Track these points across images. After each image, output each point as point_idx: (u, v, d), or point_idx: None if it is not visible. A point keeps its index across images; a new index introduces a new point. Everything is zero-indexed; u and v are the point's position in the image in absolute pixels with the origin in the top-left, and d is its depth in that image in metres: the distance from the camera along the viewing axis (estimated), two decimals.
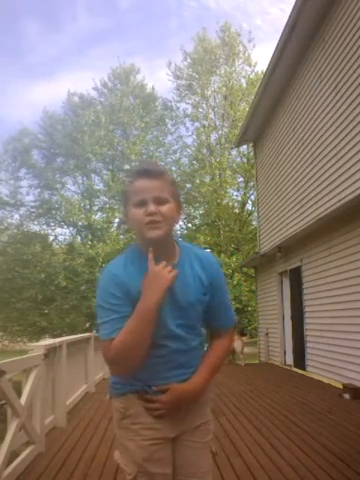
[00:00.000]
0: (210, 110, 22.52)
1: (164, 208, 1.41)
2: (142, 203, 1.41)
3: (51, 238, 22.32)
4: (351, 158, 6.74)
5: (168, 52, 46.23)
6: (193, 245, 1.62)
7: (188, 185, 22.07)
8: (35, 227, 21.87)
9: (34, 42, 44.48)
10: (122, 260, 1.49)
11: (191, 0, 41.88)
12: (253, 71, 22.42)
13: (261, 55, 36.78)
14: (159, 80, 42.67)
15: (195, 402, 1.52)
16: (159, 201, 1.41)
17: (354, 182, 6.61)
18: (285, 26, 8.15)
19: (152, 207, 1.39)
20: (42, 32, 44.80)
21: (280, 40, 8.53)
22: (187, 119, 22.90)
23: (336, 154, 7.29)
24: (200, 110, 22.69)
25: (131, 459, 1.47)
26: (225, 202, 22.15)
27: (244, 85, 22.40)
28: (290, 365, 9.67)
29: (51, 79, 48.62)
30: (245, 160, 22.47)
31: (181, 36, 45.07)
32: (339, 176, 7.17)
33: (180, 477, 1.53)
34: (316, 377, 7.91)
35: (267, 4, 39.48)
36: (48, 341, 4.84)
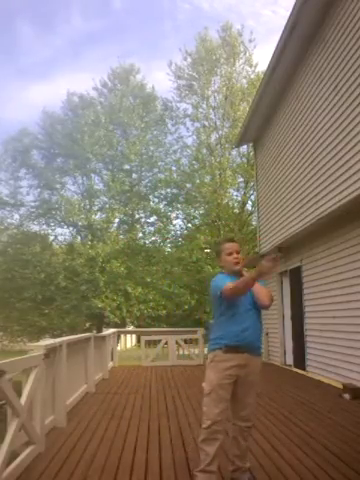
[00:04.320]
0: (210, 110, 22.52)
1: (239, 255, 3.07)
2: (231, 253, 3.07)
3: (51, 238, 22.28)
4: (351, 158, 6.73)
5: (163, 54, 46.45)
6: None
7: (188, 185, 22.04)
8: (35, 227, 21.82)
9: (29, 43, 44.61)
10: (223, 274, 3.08)
11: (185, 2, 41.92)
12: (254, 71, 22.42)
13: (255, 56, 36.90)
14: (155, 81, 42.81)
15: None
16: (237, 252, 3.08)
17: (354, 182, 6.61)
18: (285, 26, 8.15)
19: (236, 255, 3.06)
20: (37, 33, 44.91)
21: (280, 40, 8.53)
22: (187, 119, 22.89)
23: (336, 154, 7.29)
24: (200, 110, 22.70)
25: (210, 383, 2.92)
26: (225, 202, 22.14)
27: (245, 85, 22.38)
28: (290, 365, 9.67)
29: (47, 80, 48.83)
30: (245, 160, 22.46)
31: (175, 38, 45.11)
32: (339, 176, 7.17)
33: (235, 404, 3.00)
34: (316, 377, 7.92)
35: (260, 6, 39.60)
36: (48, 341, 4.84)
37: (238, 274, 3.05)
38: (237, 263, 3.05)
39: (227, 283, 2.89)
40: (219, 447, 2.87)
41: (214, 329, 3.07)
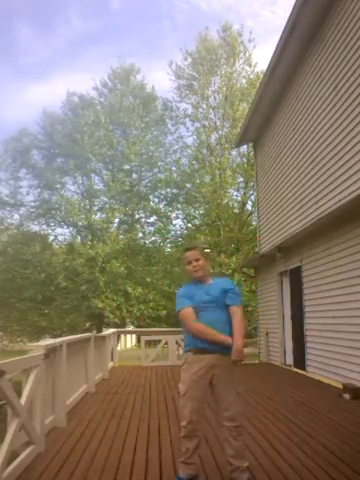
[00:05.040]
0: (210, 110, 22.52)
1: (199, 263, 3.10)
2: (189, 262, 3.12)
3: (51, 238, 22.32)
4: (351, 158, 6.74)
5: (161, 54, 46.52)
6: (222, 278, 3.34)
7: (188, 185, 22.04)
8: (35, 227, 21.86)
9: (27, 44, 44.68)
10: (187, 285, 3.20)
11: (183, 2, 41.97)
12: (253, 71, 22.44)
13: (254, 56, 36.95)
14: (153, 82, 42.80)
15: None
16: (197, 260, 3.10)
17: (354, 182, 6.61)
18: (285, 26, 8.15)
19: (195, 263, 3.10)
20: (35, 34, 44.97)
21: (280, 40, 8.53)
22: (187, 119, 22.89)
23: (336, 154, 7.30)
24: (200, 110, 22.70)
25: (184, 384, 3.04)
26: (225, 202, 22.14)
27: (244, 85, 22.38)
28: (290, 365, 9.67)
29: (46, 81, 48.88)
30: (245, 160, 22.45)
31: (174, 38, 45.29)
32: (339, 176, 7.17)
33: (217, 405, 3.04)
34: (316, 377, 7.91)
35: (258, 6, 39.71)
36: (48, 341, 4.83)
37: (202, 280, 3.12)
38: (196, 271, 3.10)
39: (185, 308, 3.05)
40: (199, 442, 3.04)
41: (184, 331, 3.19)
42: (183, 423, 3.04)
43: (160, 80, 50.35)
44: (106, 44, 46.91)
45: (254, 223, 20.48)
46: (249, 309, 20.15)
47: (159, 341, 11.34)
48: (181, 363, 3.15)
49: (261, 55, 37.69)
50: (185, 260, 3.16)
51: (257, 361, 12.26)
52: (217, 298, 3.05)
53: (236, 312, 3.03)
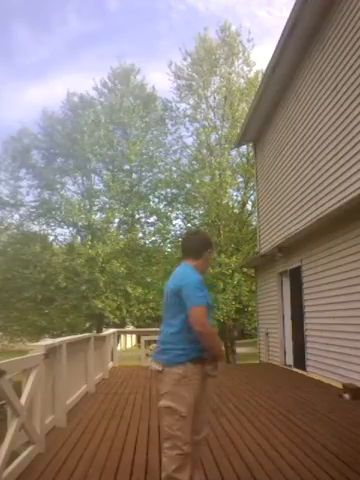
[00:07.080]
0: (210, 110, 22.51)
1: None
2: (212, 255, 2.86)
3: (51, 238, 22.29)
4: (351, 158, 6.74)
5: (159, 54, 46.57)
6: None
7: (188, 185, 22.04)
8: (35, 227, 21.82)
9: (26, 44, 44.81)
10: (198, 275, 2.68)
11: (180, 3, 42.08)
12: (251, 70, 22.43)
13: (252, 56, 36.90)
14: (150, 82, 42.87)
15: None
16: (214, 257, 2.94)
17: (354, 182, 6.61)
18: (285, 26, 8.15)
19: (212, 259, 2.83)
20: (33, 35, 45.08)
21: (280, 40, 8.53)
22: (187, 119, 22.87)
23: (336, 154, 7.30)
24: (200, 110, 22.68)
25: (185, 403, 2.52)
26: (225, 202, 22.11)
27: (243, 85, 22.37)
28: (290, 365, 9.67)
29: (45, 81, 49.05)
30: (245, 160, 22.44)
31: (171, 39, 45.36)
32: (339, 176, 7.17)
33: (202, 402, 2.68)
34: (316, 377, 7.91)
35: (255, 7, 39.86)
36: (48, 341, 4.84)
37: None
38: (210, 267, 2.94)
39: (204, 306, 2.55)
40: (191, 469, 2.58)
41: (174, 335, 2.62)
42: (182, 450, 2.52)
43: (158, 80, 50.58)
44: (104, 44, 47.21)
45: (254, 223, 20.45)
46: (249, 309, 20.15)
47: None
48: (175, 377, 2.56)
49: (258, 55, 37.79)
50: (212, 251, 2.89)
51: (257, 361, 12.26)
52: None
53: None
